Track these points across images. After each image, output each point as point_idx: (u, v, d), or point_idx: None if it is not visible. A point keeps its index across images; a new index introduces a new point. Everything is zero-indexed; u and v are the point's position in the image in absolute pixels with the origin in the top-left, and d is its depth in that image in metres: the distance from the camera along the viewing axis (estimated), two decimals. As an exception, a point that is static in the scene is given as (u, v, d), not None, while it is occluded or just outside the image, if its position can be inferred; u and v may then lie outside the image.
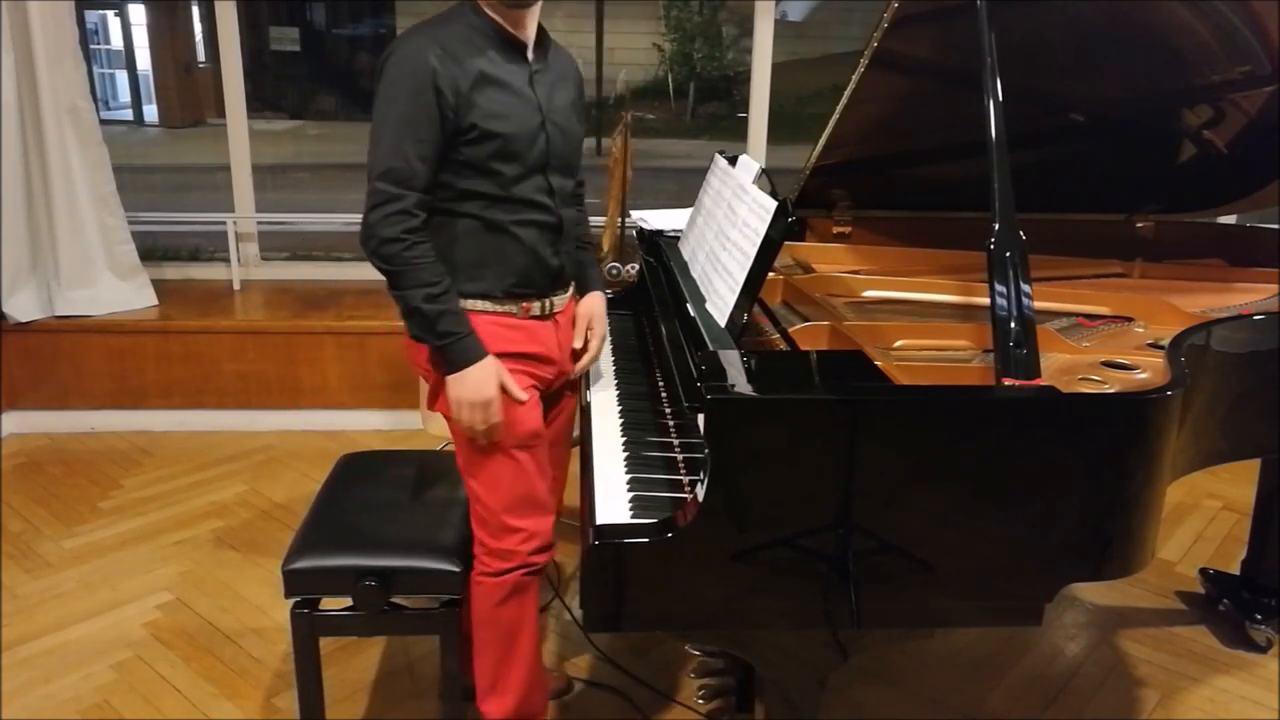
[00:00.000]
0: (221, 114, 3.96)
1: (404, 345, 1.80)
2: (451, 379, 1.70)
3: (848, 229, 2.44)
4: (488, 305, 1.76)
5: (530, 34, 1.72)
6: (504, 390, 1.73)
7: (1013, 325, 1.46)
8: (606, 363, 2.11)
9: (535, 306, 1.80)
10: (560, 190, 1.77)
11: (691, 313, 1.72)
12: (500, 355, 1.74)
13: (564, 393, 2.00)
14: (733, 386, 1.36)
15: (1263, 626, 2.47)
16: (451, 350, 1.68)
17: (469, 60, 1.64)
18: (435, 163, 1.65)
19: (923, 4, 1.93)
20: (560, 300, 1.85)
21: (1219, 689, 2.33)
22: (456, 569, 1.81)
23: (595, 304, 1.94)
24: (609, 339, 2.24)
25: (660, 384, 1.91)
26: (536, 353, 1.82)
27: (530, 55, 1.72)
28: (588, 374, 2.00)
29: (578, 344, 1.91)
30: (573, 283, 1.92)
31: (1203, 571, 2.70)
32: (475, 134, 1.64)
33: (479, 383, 1.69)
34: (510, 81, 1.68)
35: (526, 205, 1.72)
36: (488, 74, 1.65)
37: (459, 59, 1.63)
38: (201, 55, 11.98)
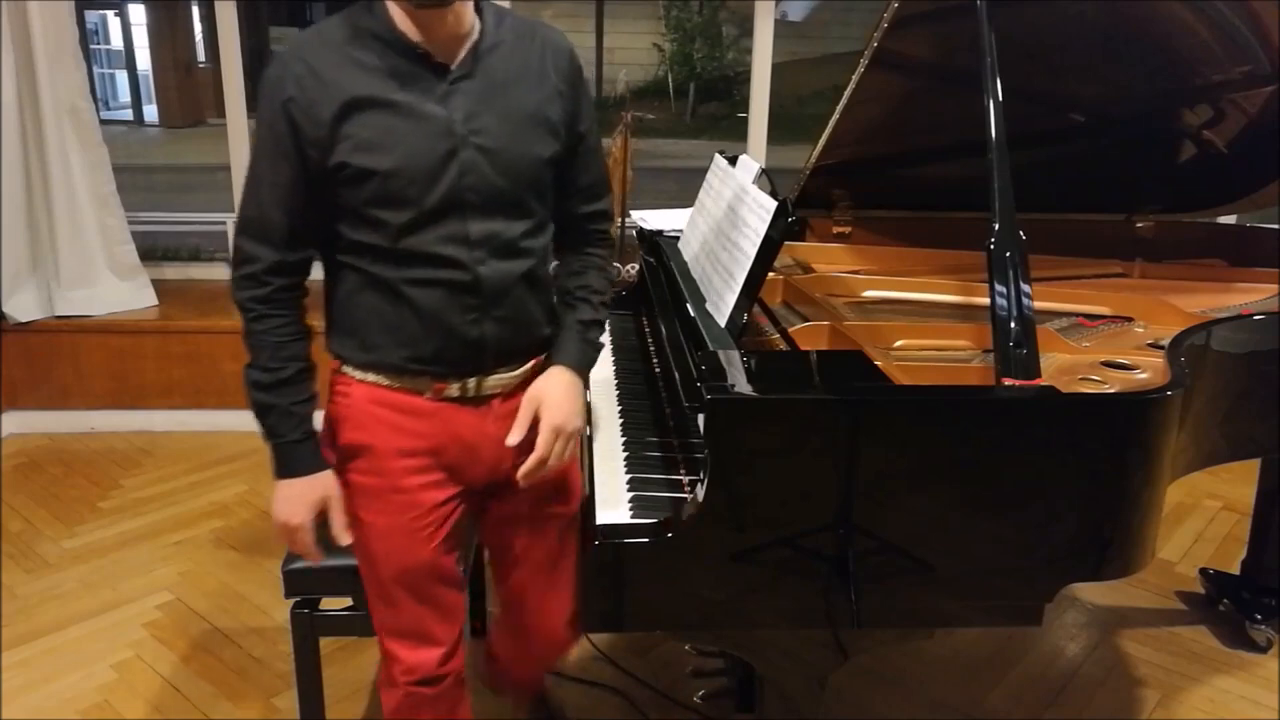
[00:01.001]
0: (221, 114, 3.96)
1: None
2: (277, 483, 1.42)
3: (848, 229, 2.44)
4: (381, 379, 1.42)
5: (449, 36, 1.33)
6: (362, 516, 1.46)
7: (1013, 325, 1.46)
8: (607, 362, 2.11)
9: (453, 387, 1.42)
10: (490, 238, 1.36)
11: (691, 313, 1.72)
12: (400, 452, 1.43)
13: (542, 507, 1.55)
14: (733, 386, 1.36)
15: (1263, 626, 2.47)
16: (276, 452, 1.41)
17: (339, 79, 1.29)
18: (307, 212, 1.34)
19: (923, 4, 1.93)
20: (499, 380, 1.45)
21: (1219, 689, 2.33)
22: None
23: (552, 384, 1.45)
24: (608, 337, 2.23)
25: (660, 384, 1.91)
26: (445, 446, 1.44)
27: (454, 62, 1.34)
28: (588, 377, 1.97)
29: (512, 438, 1.42)
30: (537, 357, 1.50)
31: (1203, 571, 2.70)
32: (348, 173, 1.30)
33: (287, 502, 1.41)
34: (400, 100, 1.30)
35: (423, 260, 1.34)
36: (364, 96, 1.29)
37: (325, 79, 1.29)
38: (201, 55, 12.00)
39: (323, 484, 1.42)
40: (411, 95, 1.31)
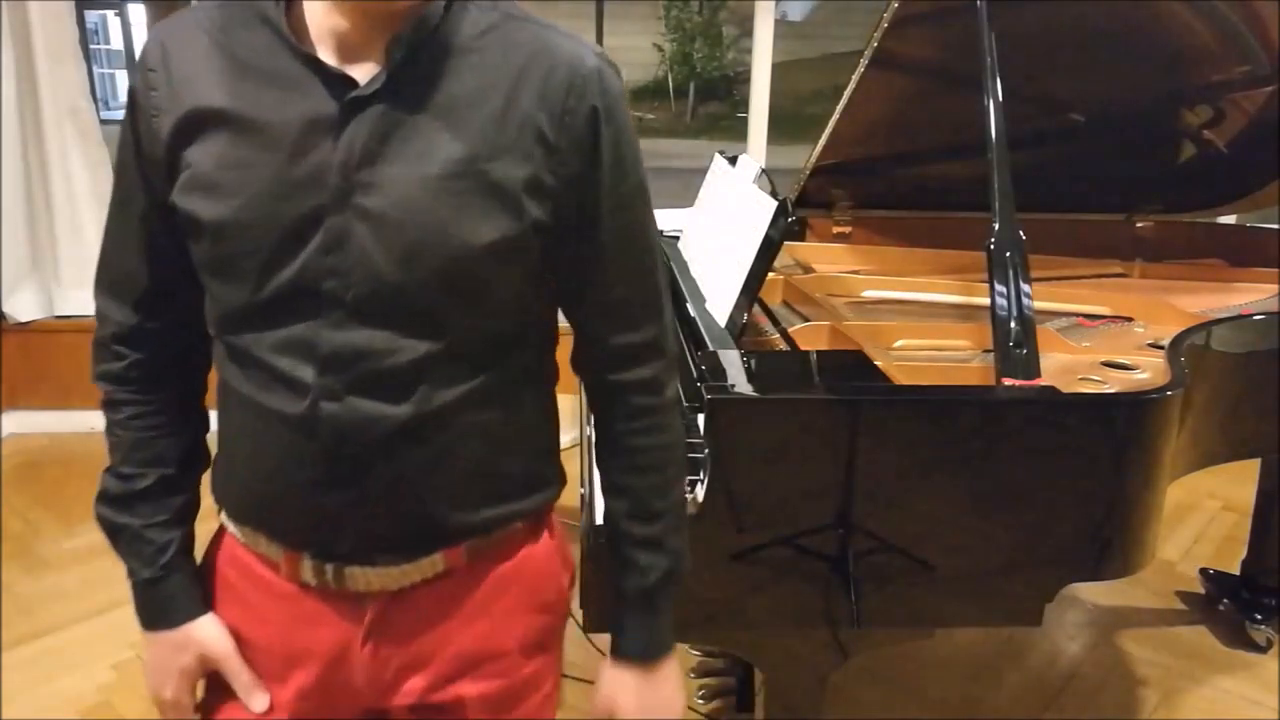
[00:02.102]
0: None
1: None
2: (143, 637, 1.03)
3: (848, 229, 2.44)
4: (229, 525, 1.01)
5: (370, 25, 0.86)
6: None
7: (1013, 325, 1.46)
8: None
9: (306, 567, 0.94)
10: (352, 360, 0.87)
11: (691, 313, 1.72)
12: (249, 644, 1.00)
13: None
14: (733, 386, 1.36)
15: (1263, 626, 2.47)
16: (134, 594, 1.01)
17: (192, 78, 0.87)
18: (173, 257, 0.92)
19: (923, 4, 1.93)
20: (375, 577, 0.95)
21: (1219, 689, 2.33)
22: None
23: (623, 697, 1.04)
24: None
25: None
26: (300, 655, 0.98)
27: (364, 69, 0.86)
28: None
29: None
30: (454, 548, 0.97)
31: (1203, 571, 2.70)
32: (179, 219, 0.89)
33: (152, 669, 1.03)
34: (263, 121, 0.85)
35: (255, 370, 0.90)
36: (212, 108, 0.86)
37: (176, 75, 0.88)
38: (201, 55, 11.99)
39: (198, 639, 0.99)
40: (284, 115, 0.85)
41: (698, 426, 1.38)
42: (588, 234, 0.93)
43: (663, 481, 1.02)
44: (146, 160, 0.91)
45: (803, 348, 1.69)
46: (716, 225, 1.87)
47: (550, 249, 0.92)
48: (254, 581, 0.99)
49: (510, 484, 0.99)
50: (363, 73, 0.86)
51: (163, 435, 1.01)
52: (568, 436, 2.34)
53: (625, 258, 0.96)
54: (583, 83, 0.89)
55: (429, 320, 0.88)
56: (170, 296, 0.96)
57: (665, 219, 2.49)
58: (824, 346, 1.72)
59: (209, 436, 1.04)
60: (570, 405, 2.29)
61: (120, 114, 0.95)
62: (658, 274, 1.00)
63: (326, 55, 0.86)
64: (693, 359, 1.52)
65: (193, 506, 1.03)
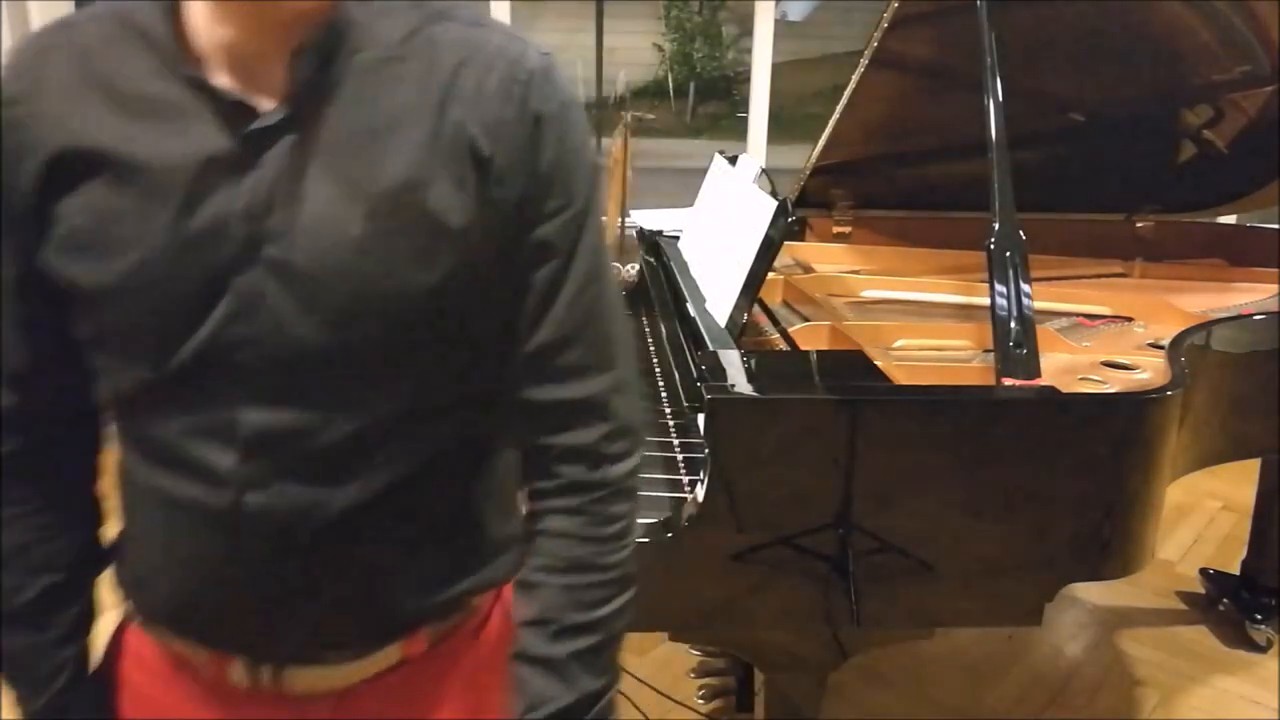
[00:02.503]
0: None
1: None
2: None
3: (848, 229, 2.44)
4: (137, 623, 0.86)
5: (268, 39, 0.70)
6: None
7: (1013, 325, 1.46)
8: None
9: (237, 668, 0.80)
10: (279, 441, 0.73)
11: (691, 313, 1.72)
12: None
13: None
14: (733, 386, 1.36)
15: (1263, 626, 2.47)
16: None
17: (63, 111, 0.71)
18: (52, 328, 0.76)
19: (923, 4, 1.93)
20: (319, 677, 0.81)
21: (1219, 689, 2.33)
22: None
23: None
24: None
25: (660, 384, 1.91)
26: None
27: (266, 91, 0.71)
28: None
29: None
30: (416, 633, 0.83)
31: (1203, 571, 2.70)
32: (58, 284, 0.73)
33: None
34: (155, 162, 0.70)
35: (165, 457, 0.75)
36: (86, 147, 0.70)
37: (42, 106, 0.72)
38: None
39: None
40: (174, 154, 0.70)
41: (698, 426, 1.38)
42: (530, 264, 0.77)
43: (584, 587, 0.80)
44: (9, 214, 0.73)
45: (803, 348, 1.68)
46: (716, 225, 1.87)
47: (467, 286, 0.74)
48: (168, 686, 0.83)
49: (475, 556, 0.84)
50: (265, 95, 0.70)
51: (49, 537, 0.82)
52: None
53: (570, 294, 0.78)
54: (522, 88, 0.74)
55: (367, 387, 0.74)
56: (52, 373, 0.78)
57: (665, 219, 2.49)
58: (824, 346, 1.72)
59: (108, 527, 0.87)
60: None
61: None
62: (610, 318, 0.81)
63: (220, 76, 0.70)
64: (693, 359, 1.52)
65: (88, 618, 0.87)
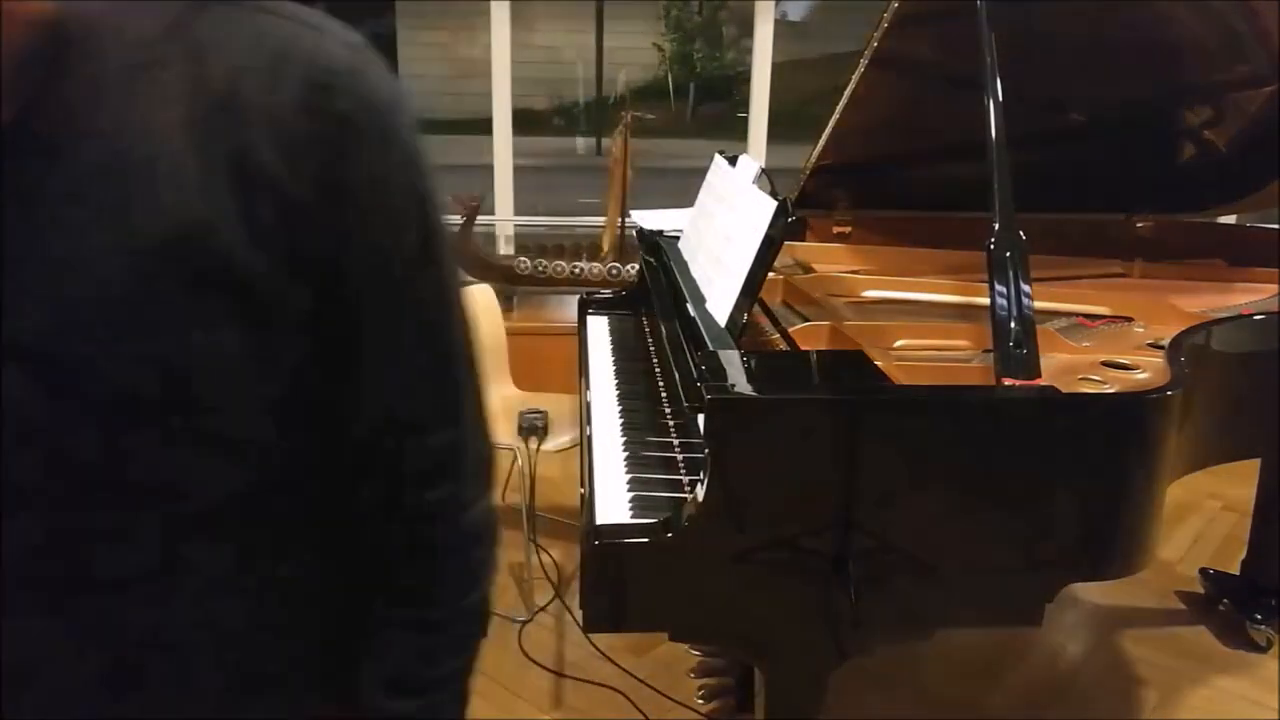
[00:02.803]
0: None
1: None
2: None
3: (848, 229, 2.44)
4: None
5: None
6: None
7: (1013, 325, 1.46)
8: (606, 362, 2.11)
9: None
10: (39, 553, 0.59)
11: (691, 313, 1.72)
12: None
13: None
14: (733, 386, 1.35)
15: (1263, 626, 2.47)
16: None
17: None
18: None
19: (923, 4, 1.93)
20: None
21: (1219, 689, 2.33)
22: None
23: None
24: (608, 337, 2.23)
25: (660, 384, 1.91)
26: None
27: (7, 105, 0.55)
28: (588, 373, 1.98)
29: None
30: None
31: (1203, 571, 2.70)
32: None
33: None
34: None
35: None
36: None
37: None
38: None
39: None
40: None
41: (698, 426, 1.38)
42: (346, 310, 0.62)
43: (436, 645, 0.71)
44: None
45: (803, 348, 1.69)
46: (716, 225, 1.87)
47: (307, 349, 0.61)
48: None
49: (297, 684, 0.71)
50: None
51: None
52: (567, 436, 2.35)
53: (401, 344, 0.65)
54: (323, 93, 0.57)
55: (145, 492, 0.59)
56: None
57: (665, 219, 2.50)
58: (824, 346, 1.72)
59: None
60: (570, 405, 2.29)
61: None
62: (453, 363, 0.68)
63: None
64: (693, 359, 1.52)
65: None
